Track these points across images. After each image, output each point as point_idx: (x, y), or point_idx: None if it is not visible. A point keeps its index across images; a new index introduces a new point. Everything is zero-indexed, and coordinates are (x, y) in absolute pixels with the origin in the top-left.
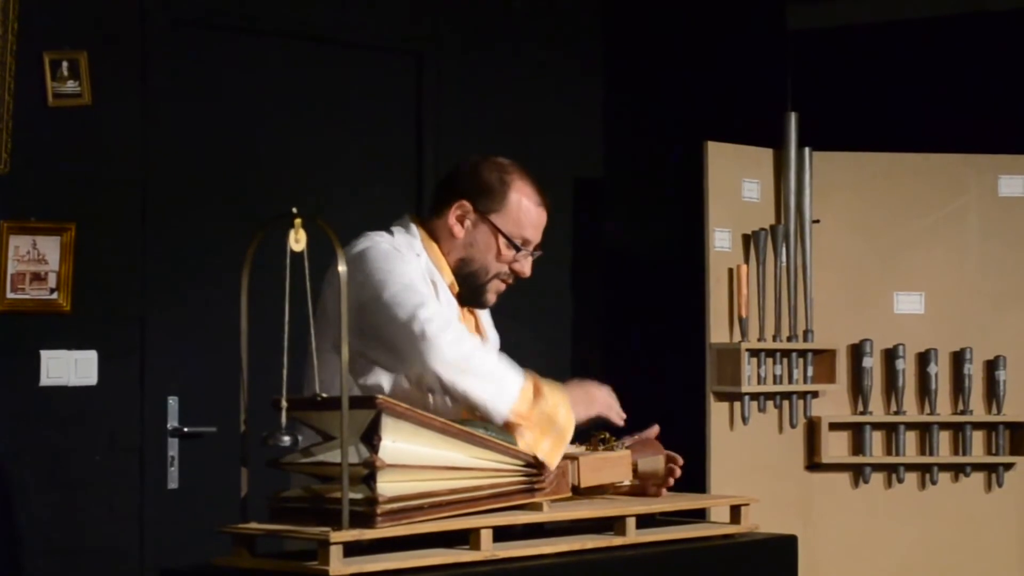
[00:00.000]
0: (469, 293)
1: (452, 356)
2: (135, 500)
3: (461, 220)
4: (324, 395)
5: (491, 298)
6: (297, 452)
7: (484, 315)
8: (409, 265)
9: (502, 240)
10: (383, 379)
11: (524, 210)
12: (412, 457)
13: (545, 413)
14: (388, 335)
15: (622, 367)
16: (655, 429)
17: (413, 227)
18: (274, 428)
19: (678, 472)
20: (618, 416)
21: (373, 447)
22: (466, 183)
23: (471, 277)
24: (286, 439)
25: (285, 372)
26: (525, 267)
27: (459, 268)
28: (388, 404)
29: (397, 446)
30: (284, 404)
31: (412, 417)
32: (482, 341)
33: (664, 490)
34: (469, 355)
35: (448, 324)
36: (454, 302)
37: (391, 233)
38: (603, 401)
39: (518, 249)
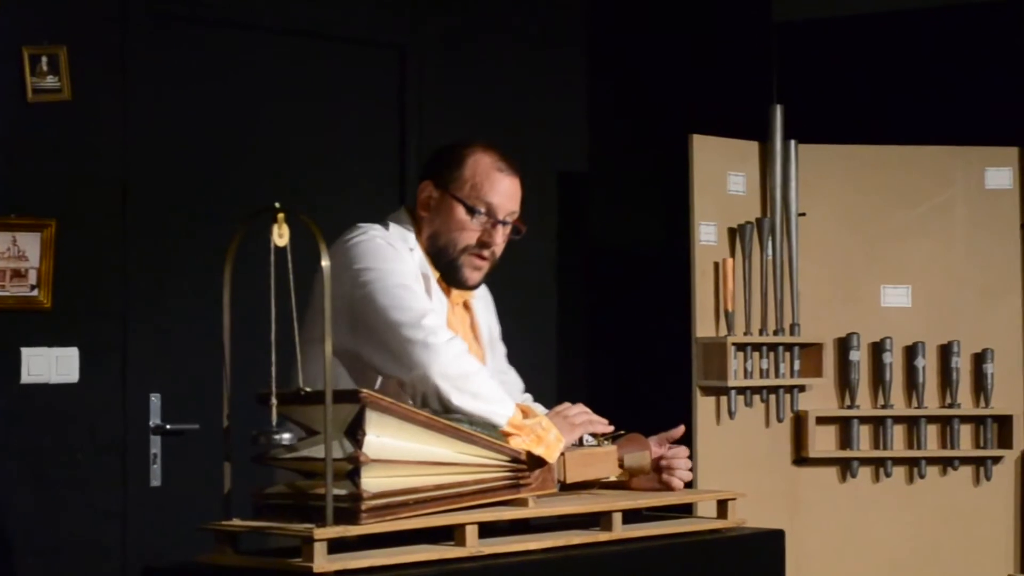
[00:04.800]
0: (444, 272)
1: (454, 371)
2: (117, 498)
3: (427, 201)
4: (308, 389)
5: (469, 275)
6: (280, 447)
7: (480, 309)
8: (404, 264)
9: (460, 208)
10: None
11: (481, 174)
12: (397, 452)
13: (536, 432)
14: (386, 338)
15: (608, 362)
16: (680, 429)
17: (407, 220)
18: (266, 426)
19: (687, 462)
20: (601, 427)
21: (357, 442)
22: (430, 165)
23: (441, 254)
24: (286, 436)
25: (274, 369)
26: (495, 236)
27: (430, 248)
28: (372, 398)
29: (382, 441)
30: (273, 401)
31: (397, 412)
32: (476, 346)
33: (681, 483)
34: (469, 374)
35: (453, 337)
36: (445, 299)
37: (386, 226)
38: (582, 422)
39: (475, 213)
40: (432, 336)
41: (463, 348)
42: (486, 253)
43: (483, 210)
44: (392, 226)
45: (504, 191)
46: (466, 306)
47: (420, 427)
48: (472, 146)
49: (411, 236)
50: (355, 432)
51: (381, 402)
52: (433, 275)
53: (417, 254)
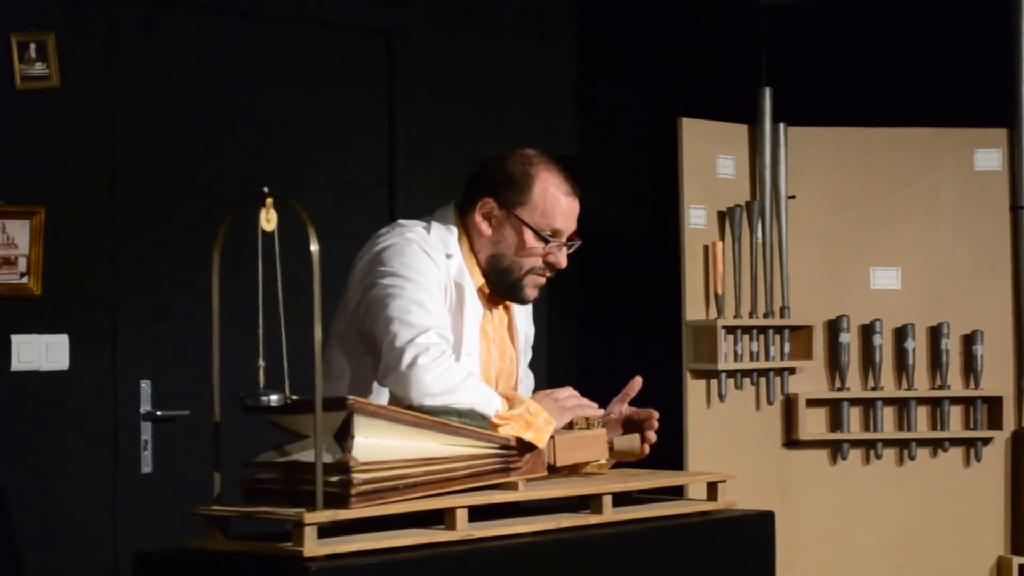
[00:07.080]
0: (505, 290)
1: (438, 388)
2: (108, 484)
3: (488, 217)
4: (295, 397)
5: (530, 293)
6: (271, 451)
7: (520, 312)
8: (430, 275)
9: (530, 234)
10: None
11: (551, 200)
12: (386, 452)
13: (524, 418)
14: (382, 349)
15: (598, 346)
16: (637, 381)
17: (453, 222)
18: (254, 388)
19: (655, 424)
20: (591, 411)
21: (346, 446)
22: (491, 178)
23: (503, 274)
24: (274, 398)
25: (261, 331)
26: (560, 259)
27: (490, 265)
28: (360, 404)
29: (370, 443)
30: (261, 363)
31: (384, 415)
32: (512, 349)
33: (647, 447)
34: (454, 389)
35: (441, 355)
36: (479, 308)
37: (428, 225)
38: (572, 406)
39: (547, 241)
40: (423, 355)
41: (451, 363)
42: (550, 273)
43: (552, 235)
44: (435, 227)
45: (571, 214)
46: (506, 308)
47: (408, 427)
48: (536, 165)
49: (452, 240)
50: (344, 436)
51: (368, 407)
52: (473, 283)
53: (456, 260)
